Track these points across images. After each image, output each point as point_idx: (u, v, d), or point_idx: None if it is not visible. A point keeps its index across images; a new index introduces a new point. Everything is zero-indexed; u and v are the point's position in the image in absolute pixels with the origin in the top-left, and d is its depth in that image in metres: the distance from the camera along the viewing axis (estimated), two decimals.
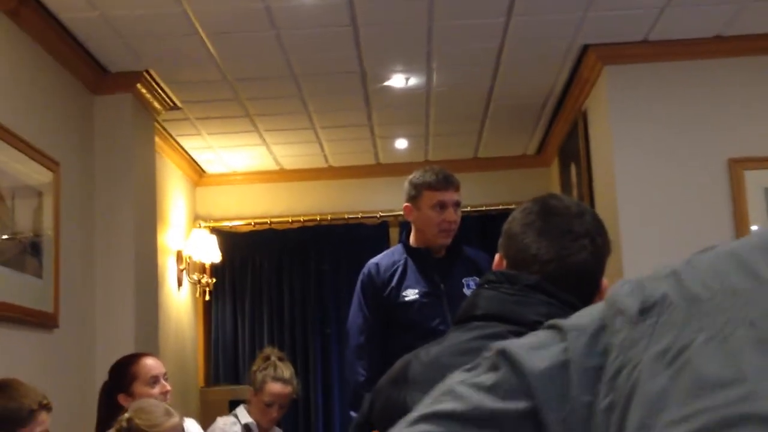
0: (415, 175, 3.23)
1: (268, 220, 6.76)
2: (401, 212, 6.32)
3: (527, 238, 1.39)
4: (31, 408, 2.42)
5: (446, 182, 3.17)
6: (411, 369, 1.36)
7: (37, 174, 3.97)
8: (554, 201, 1.45)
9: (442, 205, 3.14)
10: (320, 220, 6.74)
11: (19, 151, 3.80)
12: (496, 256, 1.46)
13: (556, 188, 6.28)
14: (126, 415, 2.65)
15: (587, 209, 1.45)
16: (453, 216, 3.16)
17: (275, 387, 3.74)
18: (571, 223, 1.39)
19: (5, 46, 3.80)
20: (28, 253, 3.85)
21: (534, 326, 1.29)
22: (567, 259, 1.36)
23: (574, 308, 1.31)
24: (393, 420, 1.35)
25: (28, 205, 3.90)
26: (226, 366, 6.69)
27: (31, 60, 4.05)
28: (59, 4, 3.96)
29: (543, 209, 1.42)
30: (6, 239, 3.64)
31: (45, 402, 2.48)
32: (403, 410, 1.34)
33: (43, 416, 2.45)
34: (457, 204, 3.19)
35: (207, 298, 6.60)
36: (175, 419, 2.72)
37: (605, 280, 1.41)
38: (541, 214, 1.41)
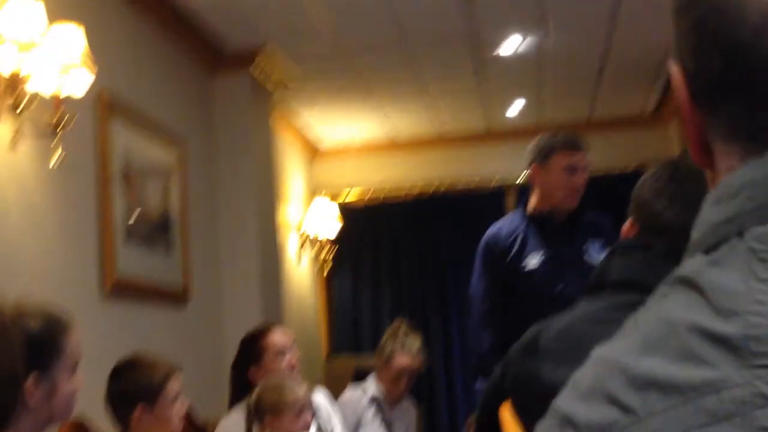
0: (543, 138, 3.18)
1: (383, 192, 6.80)
2: (517, 178, 6.34)
3: (658, 204, 1.35)
4: (162, 375, 2.52)
5: (578, 144, 3.13)
6: (543, 338, 1.35)
7: (164, 154, 4.11)
8: (686, 165, 1.40)
9: (573, 168, 3.10)
10: (435, 189, 6.74)
11: (146, 132, 3.93)
12: (626, 223, 1.42)
13: (676, 147, 6.09)
14: (254, 395, 2.75)
15: None
16: (582, 179, 3.12)
17: (403, 360, 3.78)
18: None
19: (128, 34, 3.93)
20: (158, 231, 4.00)
21: None
22: None
23: None
24: (526, 389, 1.36)
25: (157, 184, 4.05)
26: (348, 336, 6.80)
27: (153, 43, 4.17)
28: None
29: (674, 173, 1.37)
30: (138, 219, 3.79)
31: (173, 368, 2.58)
32: (536, 380, 1.34)
33: (175, 381, 2.55)
34: (586, 167, 3.14)
35: (327, 270, 6.71)
36: (301, 392, 2.79)
37: None
38: (673, 179, 1.36)
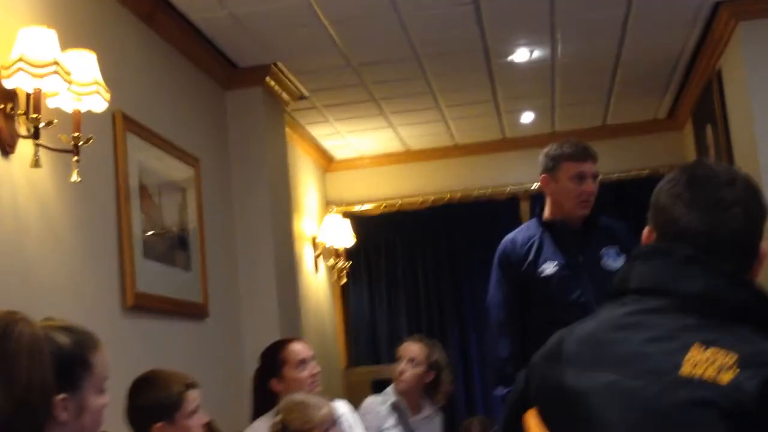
0: (552, 147, 3.21)
1: (398, 202, 6.82)
2: (530, 186, 6.36)
3: (676, 210, 1.36)
4: (179, 390, 2.53)
5: (585, 153, 3.15)
6: (566, 345, 1.36)
7: (179, 171, 4.14)
8: (702, 169, 1.41)
9: (581, 176, 3.12)
10: (449, 198, 6.76)
11: (162, 150, 3.97)
12: (645, 229, 1.43)
13: (690, 151, 6.09)
14: (278, 417, 2.74)
15: (738, 175, 1.39)
16: (591, 187, 3.13)
17: (405, 344, 3.95)
18: (721, 192, 1.35)
19: (143, 50, 3.97)
20: (176, 247, 4.03)
21: (691, 299, 1.28)
22: (719, 230, 1.32)
23: (733, 278, 1.29)
24: (551, 396, 1.37)
25: (173, 200, 4.08)
26: (366, 347, 6.81)
27: (167, 62, 4.22)
28: (190, 6, 4.11)
29: (691, 179, 1.38)
30: (156, 235, 3.82)
31: (190, 381, 2.59)
32: (559, 387, 1.36)
33: (193, 394, 2.56)
34: (595, 176, 3.16)
35: (343, 281, 6.73)
36: (325, 410, 2.77)
37: (764, 245, 1.36)
38: (689, 184, 1.37)
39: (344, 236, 6.45)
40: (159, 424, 2.49)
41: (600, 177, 3.24)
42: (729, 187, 1.36)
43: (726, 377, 1.16)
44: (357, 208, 6.87)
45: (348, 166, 6.95)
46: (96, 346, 1.67)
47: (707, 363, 1.18)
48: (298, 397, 2.88)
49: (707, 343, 1.20)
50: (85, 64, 3.03)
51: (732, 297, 1.27)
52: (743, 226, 1.34)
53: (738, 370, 1.16)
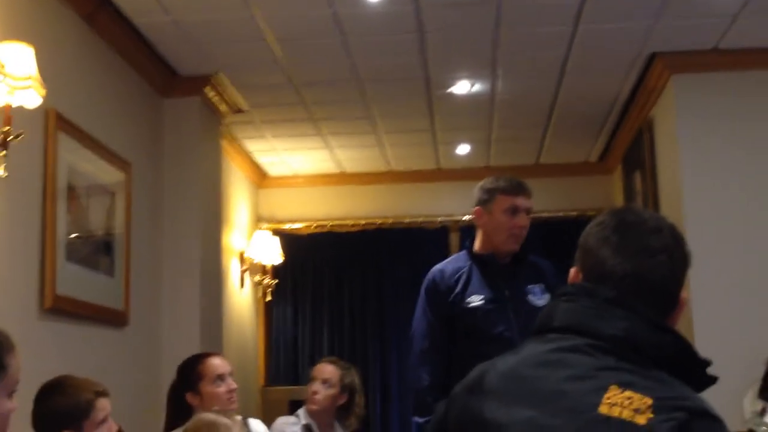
0: (487, 181, 3.24)
1: (328, 223, 6.82)
2: (461, 217, 6.42)
3: (603, 253, 1.39)
4: (89, 398, 2.46)
5: (519, 188, 3.19)
6: (487, 378, 1.37)
7: (109, 174, 4.08)
8: (631, 215, 1.44)
9: (514, 210, 3.15)
10: (380, 223, 6.78)
11: (93, 152, 3.90)
12: (572, 270, 1.46)
13: (619, 196, 6.23)
14: None
15: (665, 223, 1.43)
16: (524, 221, 3.17)
17: (320, 365, 3.89)
18: (648, 239, 1.38)
19: (82, 50, 3.91)
20: (101, 251, 3.95)
21: (611, 340, 1.31)
22: (643, 275, 1.36)
23: (655, 323, 1.32)
24: (469, 428, 1.38)
25: (102, 204, 4.01)
26: (286, 366, 6.77)
27: (105, 63, 4.15)
28: (134, 10, 4.06)
29: (619, 224, 1.41)
30: (81, 238, 3.74)
31: (100, 389, 2.52)
32: (479, 420, 1.37)
33: (102, 402, 2.49)
34: (529, 210, 3.20)
35: (268, 299, 6.69)
36: (236, 429, 2.72)
37: (684, 294, 1.40)
38: (617, 229, 1.40)
39: (272, 253, 6.41)
40: (65, 430, 2.42)
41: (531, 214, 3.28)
42: (656, 235, 1.40)
43: (641, 420, 1.18)
44: (287, 227, 6.84)
45: (281, 184, 6.92)
46: (11, 348, 1.62)
47: (624, 404, 1.20)
48: (209, 416, 2.81)
49: (624, 385, 1.22)
50: (22, 57, 2.96)
51: (653, 342, 1.30)
52: (667, 274, 1.38)
53: (652, 414, 1.18)
